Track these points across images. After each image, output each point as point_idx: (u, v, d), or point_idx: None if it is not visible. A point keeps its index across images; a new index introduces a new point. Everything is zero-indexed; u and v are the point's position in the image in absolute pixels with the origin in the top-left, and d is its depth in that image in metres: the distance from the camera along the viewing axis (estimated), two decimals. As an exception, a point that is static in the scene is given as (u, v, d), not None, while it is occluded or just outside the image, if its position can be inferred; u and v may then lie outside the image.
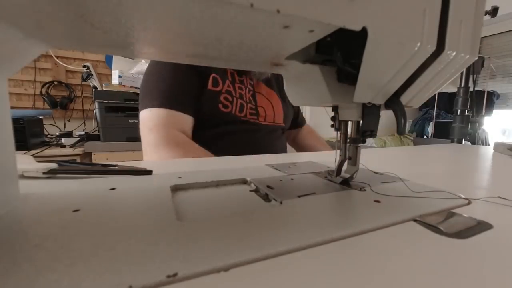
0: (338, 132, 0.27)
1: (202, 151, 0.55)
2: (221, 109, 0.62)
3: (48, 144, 1.43)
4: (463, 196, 0.24)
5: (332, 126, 0.28)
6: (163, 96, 0.58)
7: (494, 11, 1.23)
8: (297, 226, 0.17)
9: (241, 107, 0.65)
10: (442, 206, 0.21)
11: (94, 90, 1.62)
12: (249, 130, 0.66)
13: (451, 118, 1.46)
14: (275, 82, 0.76)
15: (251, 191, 0.26)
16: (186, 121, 0.59)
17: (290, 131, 0.87)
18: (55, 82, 1.73)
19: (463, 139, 0.93)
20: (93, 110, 1.68)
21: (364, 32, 0.15)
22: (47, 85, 1.70)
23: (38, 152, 1.24)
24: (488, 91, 2.27)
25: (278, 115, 0.73)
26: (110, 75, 1.79)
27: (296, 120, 0.86)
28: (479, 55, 0.33)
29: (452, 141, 0.94)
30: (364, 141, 0.25)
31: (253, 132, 0.66)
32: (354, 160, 0.26)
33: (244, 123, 0.65)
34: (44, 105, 1.71)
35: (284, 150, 0.77)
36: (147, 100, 0.58)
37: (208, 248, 0.14)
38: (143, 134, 0.57)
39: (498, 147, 0.60)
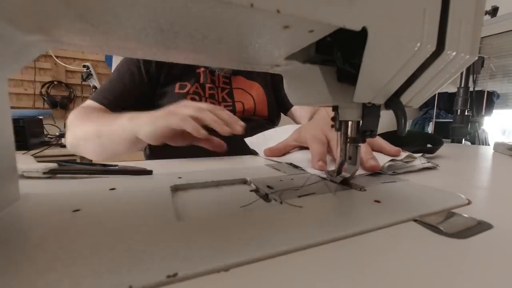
0: (338, 132, 0.27)
1: (101, 114, 0.57)
2: None
3: (48, 144, 1.43)
4: (463, 196, 0.24)
5: (332, 126, 0.28)
6: (100, 93, 0.64)
7: (494, 11, 1.23)
8: (297, 226, 0.17)
9: None
10: (442, 206, 0.21)
11: (94, 90, 1.62)
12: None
13: (451, 118, 1.46)
14: (258, 73, 0.76)
15: (251, 191, 0.26)
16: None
17: (292, 116, 0.85)
18: (55, 82, 1.73)
19: (463, 139, 0.93)
20: (93, 110, 1.67)
21: (364, 32, 0.15)
22: (47, 85, 1.70)
23: (38, 152, 1.24)
24: (488, 91, 2.27)
25: (260, 107, 0.74)
26: (110, 75, 1.79)
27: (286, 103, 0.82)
28: (479, 55, 0.33)
29: (452, 141, 0.94)
30: (364, 141, 0.25)
31: None
32: (354, 159, 0.26)
33: None
34: (44, 105, 1.71)
35: None
36: (93, 93, 0.66)
37: (208, 248, 0.14)
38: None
39: (498, 147, 0.60)
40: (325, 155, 0.36)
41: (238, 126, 0.40)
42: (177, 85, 0.65)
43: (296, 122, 0.85)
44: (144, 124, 0.41)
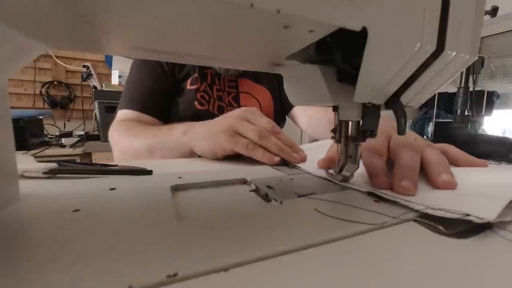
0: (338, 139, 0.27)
1: (148, 127, 0.57)
2: (197, 106, 0.63)
3: (48, 144, 1.43)
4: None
5: (332, 138, 0.27)
6: (129, 99, 0.63)
7: (494, 11, 1.23)
8: (297, 226, 0.17)
9: (220, 108, 0.66)
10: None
11: (94, 90, 1.62)
12: None
13: (451, 118, 1.45)
14: (265, 75, 0.75)
15: (251, 191, 0.26)
16: (147, 120, 0.61)
17: (295, 119, 0.83)
18: (55, 82, 1.73)
19: (463, 139, 0.93)
20: (93, 110, 1.68)
21: (364, 32, 0.15)
22: (47, 85, 1.71)
23: (38, 152, 1.24)
24: (488, 91, 2.26)
25: (267, 112, 0.72)
26: (110, 75, 1.79)
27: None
28: (479, 55, 0.33)
29: (452, 141, 0.94)
30: (364, 140, 0.25)
31: None
32: (354, 158, 0.26)
33: None
34: (44, 105, 1.71)
35: None
36: (120, 103, 0.65)
37: (208, 248, 0.14)
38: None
39: (498, 147, 0.59)
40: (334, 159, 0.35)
41: (304, 153, 0.39)
42: (189, 80, 0.65)
43: (297, 123, 0.83)
44: (202, 141, 0.41)
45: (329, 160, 0.34)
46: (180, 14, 0.14)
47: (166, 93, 0.64)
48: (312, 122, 0.76)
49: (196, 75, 0.65)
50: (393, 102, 0.22)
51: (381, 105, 0.23)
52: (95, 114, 1.51)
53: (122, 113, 0.62)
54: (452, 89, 2.12)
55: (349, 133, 0.26)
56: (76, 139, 1.51)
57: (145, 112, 0.61)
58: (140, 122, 0.60)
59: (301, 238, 0.15)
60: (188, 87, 0.64)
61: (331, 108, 0.27)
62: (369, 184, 0.26)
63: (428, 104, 2.48)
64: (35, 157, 0.34)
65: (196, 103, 0.63)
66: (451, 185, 0.23)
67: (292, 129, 0.90)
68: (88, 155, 1.43)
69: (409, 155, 0.26)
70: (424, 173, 0.26)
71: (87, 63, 1.71)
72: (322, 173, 0.31)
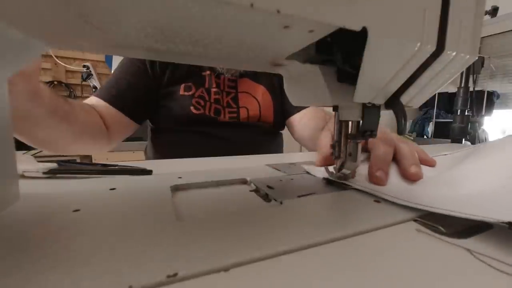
0: (338, 132, 0.27)
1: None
2: (193, 111, 0.63)
3: (48, 144, 1.42)
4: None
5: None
6: (101, 89, 0.61)
7: (494, 11, 1.23)
8: (297, 226, 0.17)
9: (217, 111, 0.66)
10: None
11: (94, 90, 1.62)
12: (228, 130, 0.66)
13: (451, 118, 1.45)
14: (264, 75, 0.73)
15: (251, 191, 0.26)
16: (109, 110, 0.59)
17: (290, 126, 0.79)
18: (55, 82, 1.73)
19: (463, 139, 0.93)
20: (93, 110, 1.67)
21: (364, 32, 0.15)
22: (47, 85, 1.70)
23: (38, 152, 1.24)
24: (488, 91, 2.27)
25: (266, 112, 0.71)
26: (110, 75, 1.79)
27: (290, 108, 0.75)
28: (479, 55, 0.33)
29: (452, 141, 0.94)
30: (363, 140, 0.25)
31: (233, 132, 0.66)
32: (354, 156, 0.26)
33: (222, 124, 0.66)
34: (44, 105, 1.71)
35: (276, 150, 0.75)
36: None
37: (208, 248, 0.14)
38: None
39: (498, 147, 0.59)
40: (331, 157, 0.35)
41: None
42: (182, 86, 0.63)
43: (292, 132, 0.79)
44: None
45: (326, 159, 0.33)
46: (179, 14, 0.14)
47: (143, 92, 0.63)
48: (303, 127, 0.73)
49: (190, 83, 0.64)
50: (393, 102, 0.22)
51: (381, 105, 0.23)
52: (95, 114, 1.51)
53: (88, 100, 0.60)
54: (452, 89, 2.12)
55: (349, 131, 0.26)
56: (76, 139, 1.50)
57: (112, 104, 0.59)
58: (91, 107, 0.57)
59: (301, 238, 0.15)
60: (182, 92, 0.63)
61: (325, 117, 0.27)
62: (369, 183, 0.26)
63: (428, 104, 2.49)
64: (35, 157, 0.34)
65: (191, 108, 0.63)
66: (418, 176, 0.26)
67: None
68: (88, 155, 1.43)
69: (383, 149, 0.28)
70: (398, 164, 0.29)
71: (87, 63, 1.71)
72: (322, 173, 0.31)
